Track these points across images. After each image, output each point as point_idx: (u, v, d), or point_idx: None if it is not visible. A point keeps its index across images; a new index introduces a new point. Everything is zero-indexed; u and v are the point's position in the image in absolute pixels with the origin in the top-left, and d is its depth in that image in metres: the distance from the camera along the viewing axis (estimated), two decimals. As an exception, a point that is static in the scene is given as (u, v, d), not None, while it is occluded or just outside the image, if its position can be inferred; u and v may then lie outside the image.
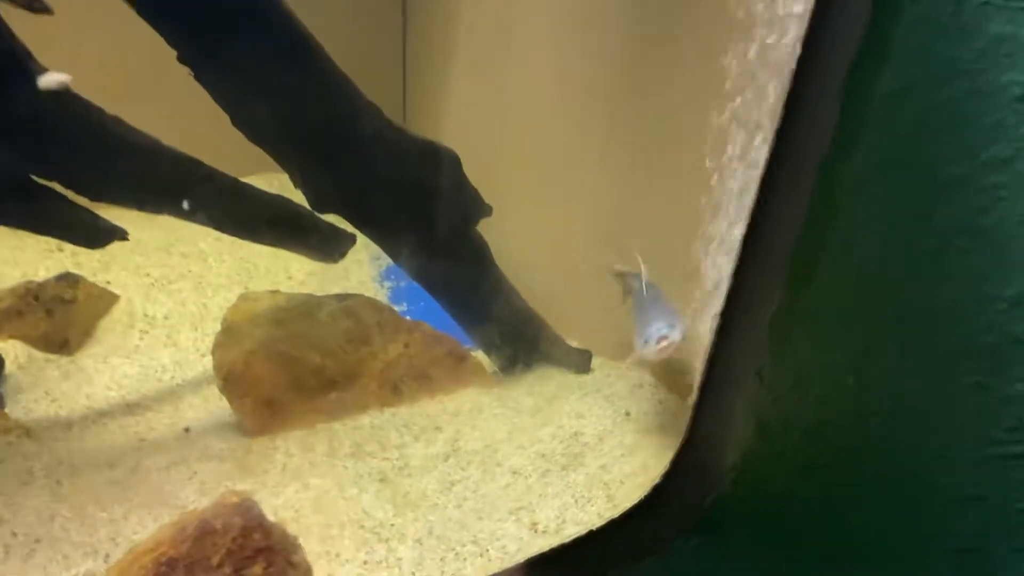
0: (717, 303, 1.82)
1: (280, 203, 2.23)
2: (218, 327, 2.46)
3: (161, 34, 1.83)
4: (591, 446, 2.15)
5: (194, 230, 2.94)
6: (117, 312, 2.60)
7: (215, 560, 1.64)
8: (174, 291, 2.73)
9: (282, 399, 2.10)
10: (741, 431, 1.74)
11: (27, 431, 2.04)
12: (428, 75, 3.34)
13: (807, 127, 1.44)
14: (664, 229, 2.14)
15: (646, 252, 2.12)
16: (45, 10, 1.75)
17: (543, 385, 2.41)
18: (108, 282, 2.65)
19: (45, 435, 2.10)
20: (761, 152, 1.64)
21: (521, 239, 2.43)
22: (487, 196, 2.20)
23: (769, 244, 1.58)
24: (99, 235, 2.09)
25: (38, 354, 2.42)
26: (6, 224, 2.06)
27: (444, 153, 2.13)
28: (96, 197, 2.07)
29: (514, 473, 2.08)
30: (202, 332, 2.53)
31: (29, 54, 1.84)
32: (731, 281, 1.68)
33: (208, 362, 2.41)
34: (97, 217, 2.07)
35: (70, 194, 2.09)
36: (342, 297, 2.24)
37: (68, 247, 2.88)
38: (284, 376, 2.08)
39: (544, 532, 1.97)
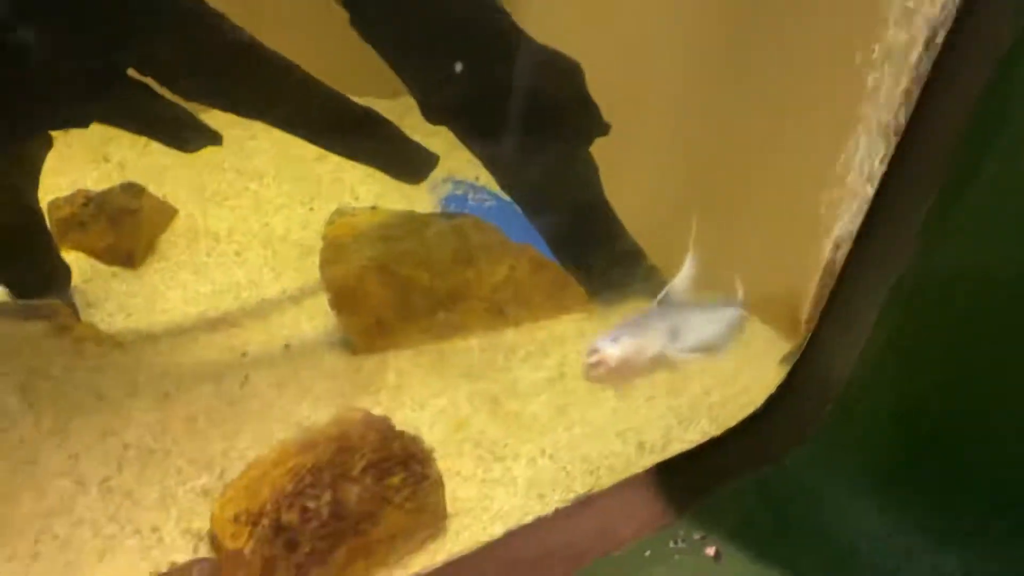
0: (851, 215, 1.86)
1: (373, 116, 2.15)
2: (288, 248, 2.40)
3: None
4: (693, 372, 2.19)
5: (244, 146, 2.89)
6: (177, 226, 2.50)
7: (356, 470, 1.64)
8: (233, 208, 2.63)
9: (391, 318, 2.08)
10: (870, 344, 1.79)
11: (118, 343, 1.97)
12: None
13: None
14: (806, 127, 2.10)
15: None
16: None
17: (638, 311, 2.42)
18: (164, 195, 2.54)
19: (134, 348, 2.03)
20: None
21: (626, 169, 2.40)
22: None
23: (929, 137, 1.57)
24: (196, 137, 1.98)
25: (103, 267, 2.32)
26: (107, 121, 1.93)
27: (569, 64, 2.05)
28: (189, 96, 1.96)
29: (620, 397, 2.11)
30: (272, 251, 2.45)
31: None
32: (880, 182, 1.69)
33: (285, 279, 2.38)
34: (196, 118, 1.97)
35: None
36: (448, 216, 2.21)
37: (114, 157, 2.77)
38: (394, 294, 2.05)
39: (651, 451, 2.02)
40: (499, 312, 2.23)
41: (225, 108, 2.04)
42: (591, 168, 2.22)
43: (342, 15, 1.99)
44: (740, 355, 2.26)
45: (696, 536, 1.74)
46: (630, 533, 1.77)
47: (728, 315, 1.94)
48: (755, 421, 1.98)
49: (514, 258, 2.22)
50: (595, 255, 2.33)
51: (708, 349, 1.89)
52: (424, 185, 2.86)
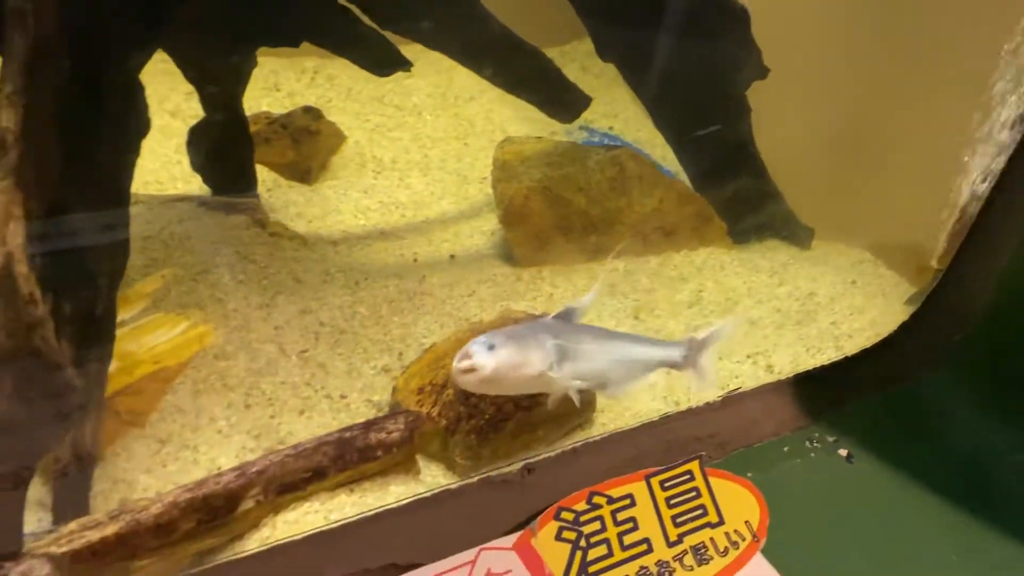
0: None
1: (537, 55, 2.35)
2: (443, 174, 2.61)
3: None
4: (823, 305, 2.35)
5: (403, 84, 3.12)
6: (346, 151, 2.76)
7: (526, 352, 1.83)
8: (394, 139, 2.87)
9: (550, 235, 2.29)
10: (1006, 273, 1.91)
11: (304, 240, 2.21)
12: None
13: None
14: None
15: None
16: None
17: (775, 253, 2.59)
18: (335, 124, 2.80)
19: (319, 247, 2.27)
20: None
21: (776, 120, 2.54)
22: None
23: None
24: (390, 62, 2.21)
25: (283, 181, 2.59)
26: (315, 41, 2.16)
27: (736, 8, 2.19)
28: (384, 24, 2.18)
29: (752, 323, 2.28)
30: (432, 179, 2.69)
31: None
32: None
33: (445, 204, 2.61)
34: (392, 44, 2.19)
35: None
36: (608, 147, 2.40)
37: (284, 87, 3.03)
38: (554, 214, 2.26)
39: (779, 374, 2.17)
40: (644, 239, 2.42)
41: (414, 38, 2.26)
42: (744, 110, 2.37)
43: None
44: (867, 293, 2.43)
45: (830, 439, 1.91)
46: (770, 430, 1.95)
47: (635, 353, 1.78)
48: (887, 346, 2.13)
49: (664, 190, 2.40)
50: (737, 193, 2.49)
51: (599, 384, 1.75)
52: (561, 130, 3.09)
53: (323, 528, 1.52)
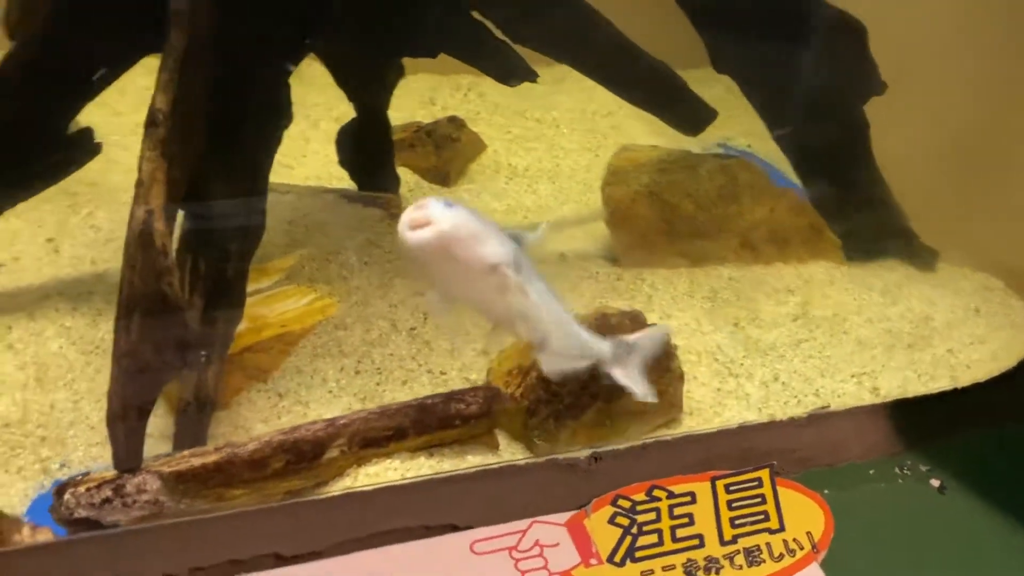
0: None
1: (664, 69, 2.37)
2: (571, 183, 2.68)
3: None
4: (939, 331, 2.21)
5: (547, 100, 3.23)
6: (485, 159, 2.89)
7: (610, 345, 1.85)
8: (530, 149, 2.99)
9: (655, 238, 2.29)
10: None
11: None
12: None
13: None
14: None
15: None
16: None
17: (891, 272, 2.46)
18: (477, 134, 2.94)
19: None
20: None
21: (898, 133, 2.43)
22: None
23: None
24: (517, 73, 2.31)
25: (424, 183, 2.76)
26: (449, 52, 2.30)
27: (852, 23, 2.15)
28: (518, 39, 2.28)
29: (860, 343, 2.17)
30: (558, 186, 2.77)
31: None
32: None
33: (564, 209, 2.67)
34: (520, 57, 2.30)
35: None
36: (721, 157, 2.40)
37: (439, 101, 3.22)
38: (660, 218, 2.27)
39: (885, 398, 2.06)
40: (753, 248, 2.36)
41: (547, 53, 2.34)
42: (863, 125, 2.28)
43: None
44: (991, 322, 2.26)
45: (923, 468, 1.79)
46: (858, 453, 1.85)
47: (570, 327, 1.55)
48: (1004, 380, 1.98)
49: (775, 200, 2.35)
50: (855, 209, 2.39)
51: (539, 340, 1.52)
52: (698, 146, 3.05)
53: (396, 483, 1.62)
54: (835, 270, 2.39)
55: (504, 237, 1.47)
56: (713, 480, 1.64)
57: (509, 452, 1.83)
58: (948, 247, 2.41)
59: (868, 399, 2.03)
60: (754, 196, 2.31)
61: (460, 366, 2.02)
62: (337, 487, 1.64)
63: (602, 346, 1.61)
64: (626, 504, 1.60)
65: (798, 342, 2.15)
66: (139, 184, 1.52)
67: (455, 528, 1.54)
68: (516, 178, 2.82)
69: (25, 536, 1.47)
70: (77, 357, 1.84)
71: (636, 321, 1.98)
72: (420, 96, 3.18)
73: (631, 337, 1.67)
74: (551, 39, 2.23)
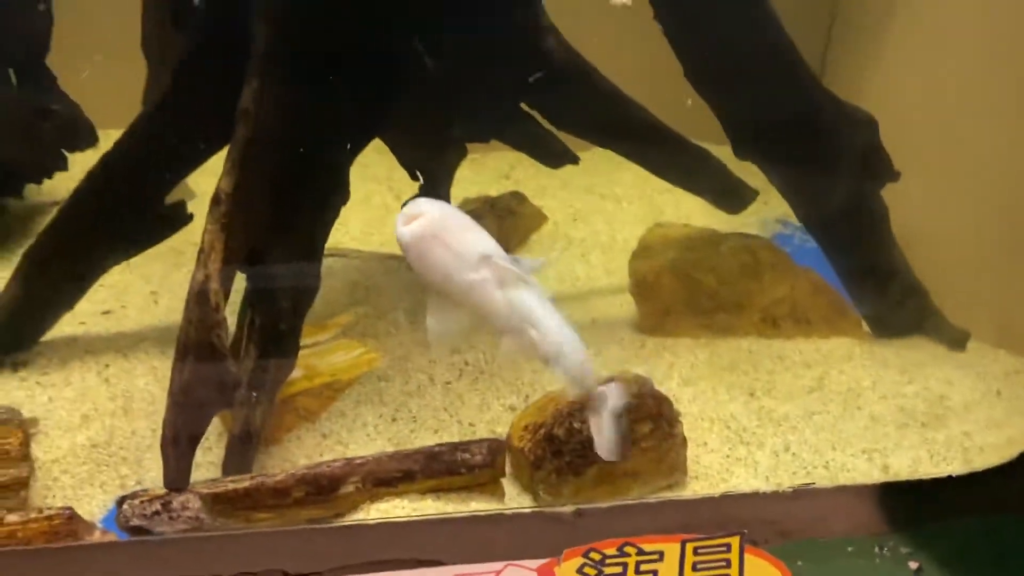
0: None
1: (702, 153, 2.52)
2: (624, 256, 2.81)
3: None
4: (955, 412, 2.20)
5: (612, 177, 3.41)
6: (545, 230, 3.11)
7: (616, 411, 1.98)
8: (591, 222, 3.18)
9: (677, 310, 2.42)
10: None
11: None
12: (854, 43, 3.40)
13: None
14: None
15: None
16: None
17: (914, 350, 2.48)
18: (541, 207, 3.17)
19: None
20: None
21: (920, 214, 2.46)
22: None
23: None
24: (560, 157, 2.53)
25: (486, 251, 2.99)
26: (500, 139, 2.57)
27: (864, 116, 2.26)
28: (561, 126, 2.50)
29: (873, 419, 2.20)
30: (610, 256, 2.93)
31: (542, 8, 2.28)
32: None
33: (613, 278, 2.82)
34: (563, 144, 2.51)
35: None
36: (746, 236, 2.50)
37: (514, 176, 3.47)
38: (683, 291, 2.40)
39: (895, 476, 2.06)
40: (773, 323, 2.45)
41: (588, 139, 2.55)
42: (881, 209, 2.35)
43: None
44: (1013, 407, 2.23)
45: (903, 549, 1.78)
46: (841, 529, 1.86)
47: (568, 342, 1.58)
48: (1004, 470, 1.93)
49: (796, 278, 2.44)
50: (880, 288, 2.42)
51: (545, 348, 1.55)
52: (756, 223, 3.15)
53: (399, 519, 1.80)
54: (855, 346, 2.43)
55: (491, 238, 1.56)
56: (684, 542, 1.71)
57: (517, 502, 1.98)
58: (980, 328, 2.38)
59: (878, 476, 2.05)
60: (775, 274, 2.40)
61: (489, 419, 2.20)
62: (350, 519, 1.85)
63: (585, 381, 1.68)
64: (596, 556, 1.70)
65: (811, 414, 2.19)
66: (201, 251, 1.82)
67: (440, 563, 1.71)
68: (571, 248, 3.01)
69: (95, 537, 1.76)
70: (159, 393, 2.15)
71: (644, 386, 2.10)
72: (497, 171, 3.45)
73: (602, 388, 1.73)
74: (591, 127, 2.43)
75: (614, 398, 1.75)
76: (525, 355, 1.67)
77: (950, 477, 1.91)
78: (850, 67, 3.20)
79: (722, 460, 2.09)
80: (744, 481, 2.06)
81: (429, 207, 1.52)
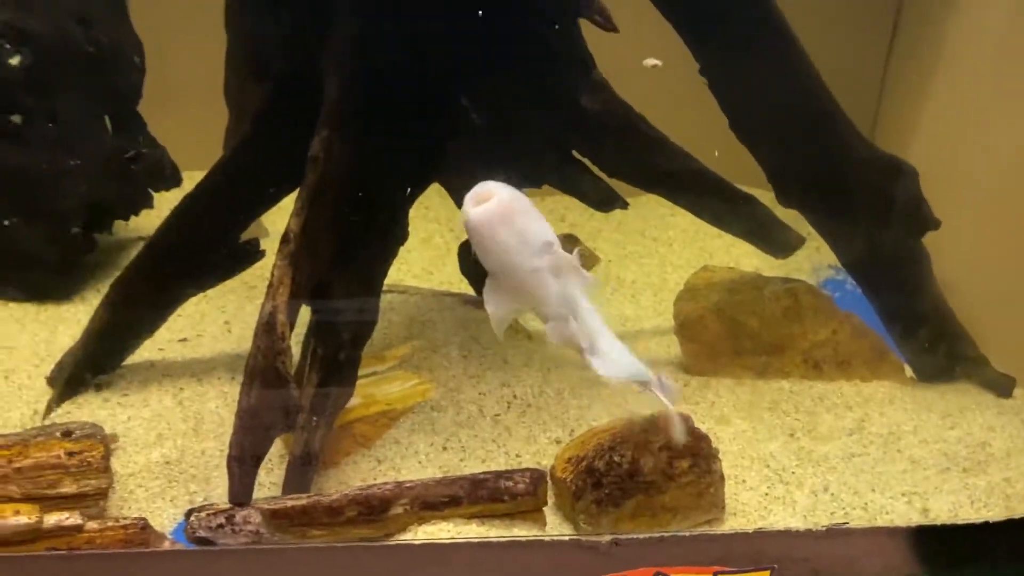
0: None
1: (750, 200, 2.58)
2: (673, 296, 2.89)
3: (692, 50, 2.28)
4: (997, 458, 2.20)
5: (665, 220, 3.49)
6: (597, 271, 3.19)
7: (655, 447, 2.04)
8: (643, 264, 3.27)
9: (720, 351, 2.49)
10: None
11: (529, 335, 2.66)
12: (906, 96, 3.46)
13: None
14: None
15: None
16: (613, 29, 2.29)
17: (958, 396, 2.48)
18: (594, 248, 3.26)
19: (540, 341, 2.68)
20: None
21: (967, 261, 2.47)
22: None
23: None
24: (609, 202, 2.62)
25: (540, 288, 3.10)
26: (551, 184, 2.66)
27: (904, 167, 2.31)
28: (611, 173, 2.59)
29: (913, 462, 2.22)
30: (659, 298, 3.01)
31: (592, 60, 2.40)
32: None
33: (661, 319, 2.89)
34: (612, 189, 2.61)
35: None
36: (788, 280, 2.55)
37: (569, 218, 3.56)
38: (726, 333, 2.46)
39: (935, 520, 2.07)
40: (815, 366, 2.48)
41: (638, 185, 2.62)
42: (923, 256, 2.38)
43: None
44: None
45: (937, 589, 1.80)
46: (874, 569, 1.89)
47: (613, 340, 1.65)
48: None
49: (838, 322, 2.48)
50: (922, 334, 2.44)
51: (588, 343, 1.62)
52: (809, 268, 3.19)
53: (442, 541, 1.89)
54: (897, 390, 2.45)
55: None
56: (716, 574, 1.77)
57: (559, 530, 2.05)
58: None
59: (917, 519, 2.05)
60: (817, 318, 2.44)
61: (534, 451, 2.29)
62: (398, 539, 1.95)
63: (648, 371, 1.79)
64: (629, 583, 1.77)
65: (851, 456, 2.22)
66: (270, 286, 1.97)
67: (478, 583, 1.80)
68: (621, 289, 3.10)
69: (165, 546, 1.90)
70: (228, 416, 2.29)
71: (684, 423, 2.16)
72: (553, 214, 3.53)
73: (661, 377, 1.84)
74: (639, 174, 2.52)
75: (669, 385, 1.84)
76: (566, 343, 1.75)
77: (987, 523, 1.93)
78: (902, 121, 3.25)
79: (760, 498, 2.13)
80: (781, 519, 2.10)
81: (499, 190, 1.56)
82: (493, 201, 1.55)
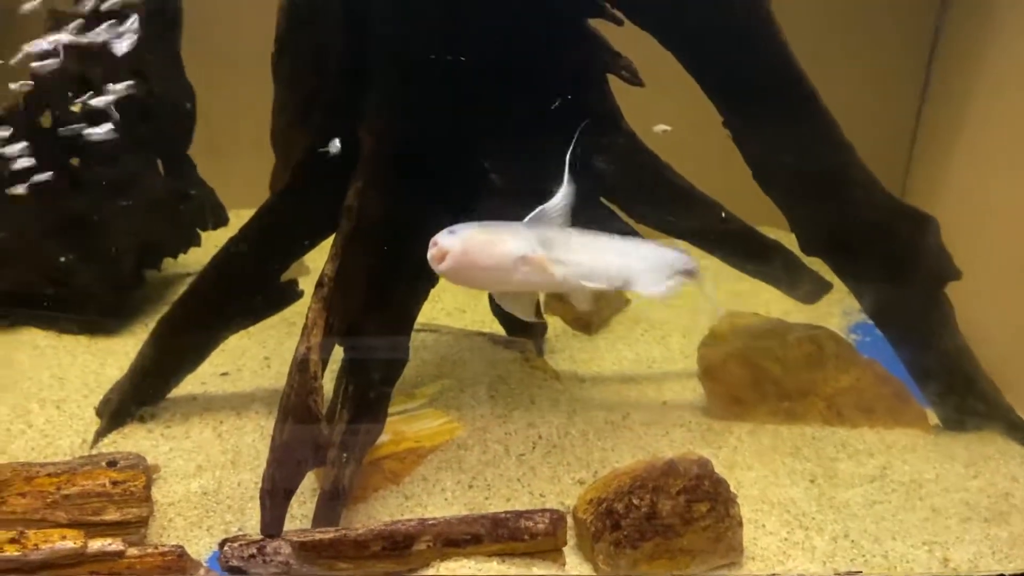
0: None
1: (776, 247, 2.63)
2: (699, 339, 2.94)
3: (716, 104, 2.35)
4: (1020, 509, 2.20)
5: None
6: (629, 313, 3.27)
7: (674, 490, 2.09)
8: (673, 306, 3.26)
9: (744, 396, 2.53)
10: None
11: (557, 376, 2.73)
12: (936, 153, 3.48)
13: None
14: None
15: None
16: (639, 84, 2.37)
17: (982, 445, 2.48)
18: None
19: (567, 381, 2.77)
20: None
21: (990, 311, 2.48)
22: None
23: None
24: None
25: (569, 330, 3.18)
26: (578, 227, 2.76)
27: (925, 219, 2.35)
28: (639, 219, 2.66)
29: (934, 511, 2.23)
30: (688, 340, 3.04)
31: (620, 112, 2.49)
32: None
33: (688, 362, 2.93)
34: (638, 234, 2.63)
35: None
36: (811, 327, 2.58)
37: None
38: (749, 379, 2.51)
39: (955, 570, 2.07)
40: (837, 412, 2.50)
41: (665, 232, 2.68)
42: (945, 305, 2.40)
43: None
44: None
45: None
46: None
47: (641, 251, 1.64)
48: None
49: (861, 369, 2.51)
50: (945, 382, 2.45)
51: (620, 282, 1.60)
52: (839, 311, 3.21)
53: (464, 577, 1.96)
54: (919, 438, 2.46)
55: (516, 228, 1.68)
56: (732, 617, 1.80)
57: (578, 570, 2.10)
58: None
59: (937, 569, 2.06)
60: (840, 364, 2.48)
61: (558, 491, 2.34)
62: (421, 574, 2.01)
63: (685, 257, 1.87)
64: (646, 624, 1.80)
65: (872, 503, 2.24)
66: (305, 327, 2.07)
67: (498, 620, 1.85)
68: (651, 331, 3.16)
69: (200, 574, 1.99)
70: (264, 449, 2.35)
71: (703, 467, 2.20)
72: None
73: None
74: (667, 221, 2.57)
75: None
76: (596, 299, 1.77)
77: None
78: (933, 171, 3.27)
79: (780, 543, 2.16)
80: (801, 565, 2.12)
81: (448, 242, 1.64)
82: (448, 258, 1.63)
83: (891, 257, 2.33)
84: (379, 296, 2.28)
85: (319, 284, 2.12)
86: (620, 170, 2.50)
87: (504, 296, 1.81)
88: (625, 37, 2.41)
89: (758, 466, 2.36)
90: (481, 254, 1.65)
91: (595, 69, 2.39)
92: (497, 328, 3.01)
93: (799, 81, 2.26)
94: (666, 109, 2.48)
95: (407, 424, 2.48)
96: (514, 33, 2.26)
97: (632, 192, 2.57)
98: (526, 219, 1.76)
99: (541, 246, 1.68)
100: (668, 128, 2.29)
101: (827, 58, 2.44)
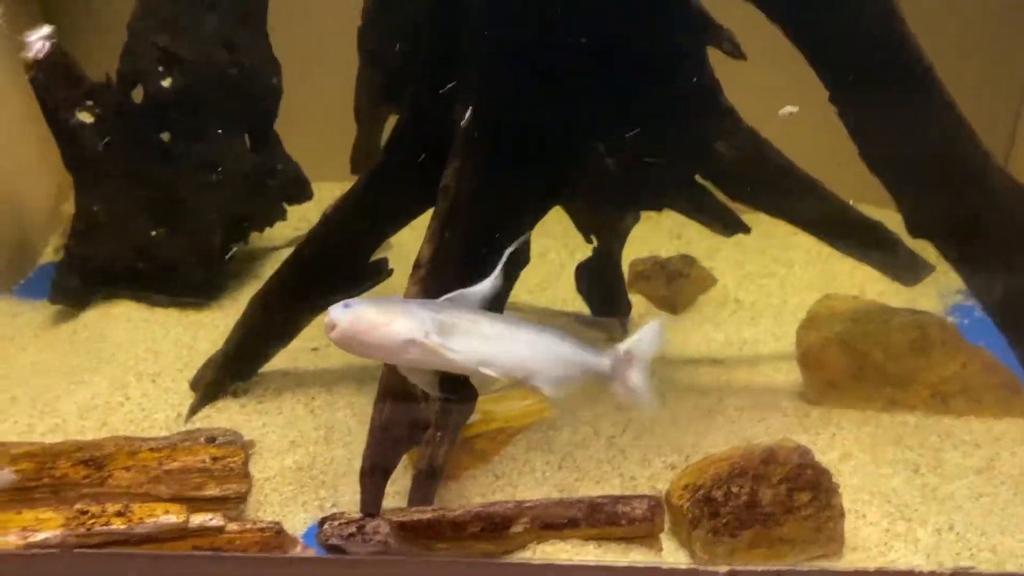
0: None
1: (875, 225, 2.53)
2: (793, 320, 2.85)
3: (823, 78, 2.25)
4: None
5: (786, 240, 3.42)
6: (715, 292, 3.18)
7: (775, 479, 2.05)
8: (762, 285, 3.22)
9: (843, 382, 2.46)
10: None
11: (645, 358, 2.70)
12: None
13: None
14: None
15: None
16: (741, 56, 2.29)
17: None
18: (712, 268, 3.25)
19: (654, 362, 2.70)
20: None
21: None
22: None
23: None
24: (732, 226, 2.62)
25: (654, 310, 3.11)
26: (673, 208, 2.69)
27: None
28: (733, 196, 2.60)
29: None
30: (779, 322, 2.97)
31: (720, 87, 2.42)
32: None
33: (781, 345, 2.86)
34: (734, 213, 2.61)
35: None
36: (915, 312, 2.50)
37: (686, 235, 3.56)
38: (850, 364, 2.43)
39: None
40: (942, 400, 2.43)
41: (763, 210, 2.61)
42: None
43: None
44: None
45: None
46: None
47: (553, 348, 1.66)
48: None
49: (968, 357, 2.41)
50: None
51: (522, 375, 1.62)
52: (935, 293, 3.10)
53: (559, 562, 1.95)
54: (1030, 429, 2.38)
55: (414, 310, 1.70)
56: (836, 610, 1.77)
57: (674, 556, 2.09)
58: None
59: (1039, 564, 1.99)
60: (946, 351, 2.38)
61: (649, 475, 2.32)
62: (518, 557, 2.02)
63: (600, 360, 1.82)
64: (747, 614, 1.78)
65: (979, 496, 2.17)
66: (403, 308, 2.08)
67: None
68: (740, 311, 3.07)
69: (297, 551, 2.04)
70: (356, 425, 2.44)
71: (804, 456, 2.15)
72: (669, 231, 3.54)
73: (624, 344, 1.83)
74: (764, 198, 2.50)
75: (644, 352, 1.84)
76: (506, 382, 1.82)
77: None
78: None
79: (881, 534, 2.11)
80: (903, 557, 2.07)
81: (340, 317, 1.66)
82: (335, 332, 1.66)
83: (1009, 243, 2.21)
84: (473, 277, 2.27)
85: (416, 266, 2.11)
86: (717, 146, 2.44)
87: (404, 368, 1.87)
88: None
89: (858, 454, 2.30)
90: (368, 333, 1.69)
91: (696, 42, 2.33)
92: (581, 306, 3.00)
93: (915, 54, 2.15)
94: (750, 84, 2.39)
95: (497, 404, 2.48)
96: (614, 5, 2.21)
97: (729, 169, 2.51)
98: (441, 299, 1.81)
99: (438, 330, 1.70)
100: (795, 109, 2.21)
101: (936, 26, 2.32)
